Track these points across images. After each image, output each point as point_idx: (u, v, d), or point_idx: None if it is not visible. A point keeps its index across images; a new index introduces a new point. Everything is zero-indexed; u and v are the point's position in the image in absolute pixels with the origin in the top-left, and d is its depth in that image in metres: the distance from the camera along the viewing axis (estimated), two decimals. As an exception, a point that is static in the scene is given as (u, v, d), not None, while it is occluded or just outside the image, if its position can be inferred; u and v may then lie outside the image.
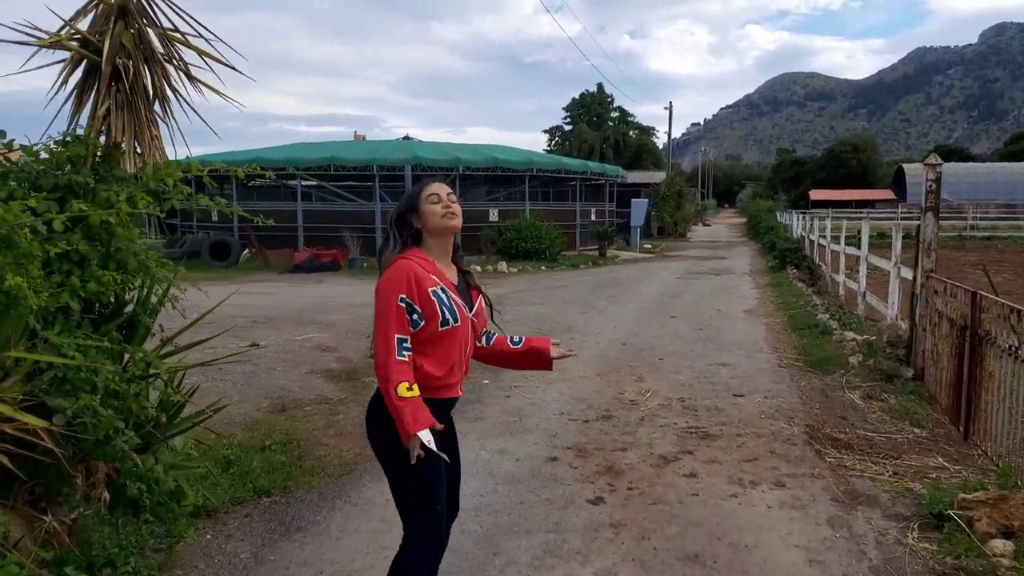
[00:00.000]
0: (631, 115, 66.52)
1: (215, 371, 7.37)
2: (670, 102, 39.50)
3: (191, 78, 3.44)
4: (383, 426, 2.46)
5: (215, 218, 22.97)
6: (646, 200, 29.43)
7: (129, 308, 3.72)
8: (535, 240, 19.97)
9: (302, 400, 6.39)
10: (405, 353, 2.39)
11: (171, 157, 3.59)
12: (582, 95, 65.87)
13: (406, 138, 26.49)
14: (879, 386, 6.69)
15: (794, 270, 16.42)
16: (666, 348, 8.57)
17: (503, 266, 18.46)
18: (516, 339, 2.85)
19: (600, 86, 66.32)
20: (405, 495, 2.54)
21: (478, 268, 18.26)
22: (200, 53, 3.40)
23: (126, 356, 3.42)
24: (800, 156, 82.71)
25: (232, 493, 4.17)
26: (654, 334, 9.51)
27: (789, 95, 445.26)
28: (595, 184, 27.40)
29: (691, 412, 5.94)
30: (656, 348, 8.56)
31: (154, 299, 3.83)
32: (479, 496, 4.22)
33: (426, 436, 2.32)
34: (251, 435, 5.42)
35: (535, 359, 2.84)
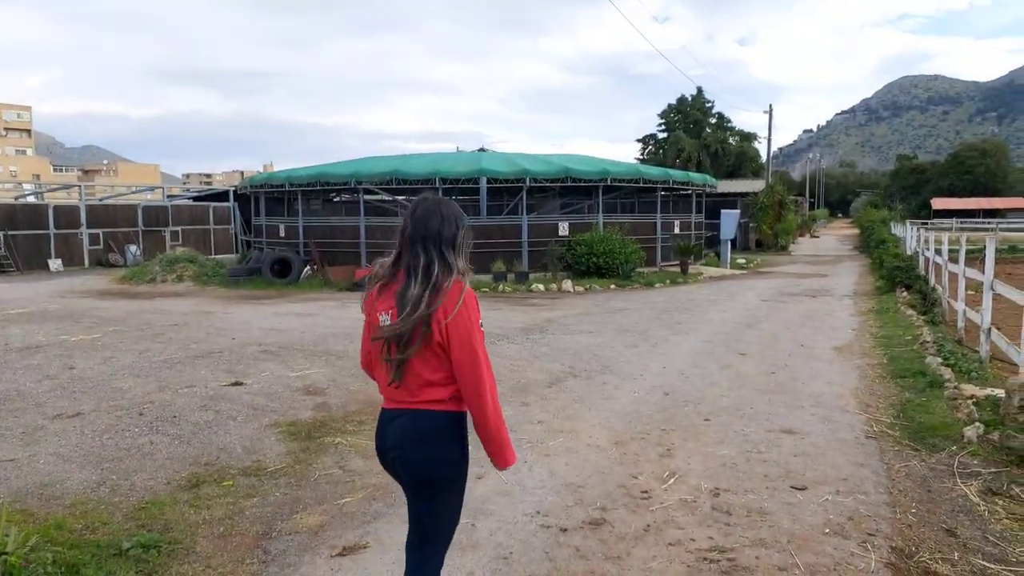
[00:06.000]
0: (729, 120, 62.48)
1: (165, 422, 6.20)
2: (770, 105, 36.58)
3: None
4: (459, 445, 2.43)
5: (282, 234, 22.50)
6: (737, 211, 26.92)
7: None
8: (607, 255, 18.15)
9: (229, 469, 5.09)
10: None
11: None
12: (679, 100, 62.30)
13: (481, 150, 25.31)
14: (1006, 474, 4.79)
15: (904, 293, 13.96)
16: (719, 401, 6.75)
17: (567, 284, 16.76)
18: None
19: (700, 89, 62.73)
20: (452, 515, 2.50)
21: (540, 287, 16.69)
22: None
23: None
24: (921, 163, 76.35)
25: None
26: (710, 379, 7.67)
27: (910, 99, 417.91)
28: (682, 194, 25.23)
29: (722, 517, 4.18)
30: (705, 401, 6.75)
31: None
32: None
33: None
34: (128, 525, 4.21)
35: None
